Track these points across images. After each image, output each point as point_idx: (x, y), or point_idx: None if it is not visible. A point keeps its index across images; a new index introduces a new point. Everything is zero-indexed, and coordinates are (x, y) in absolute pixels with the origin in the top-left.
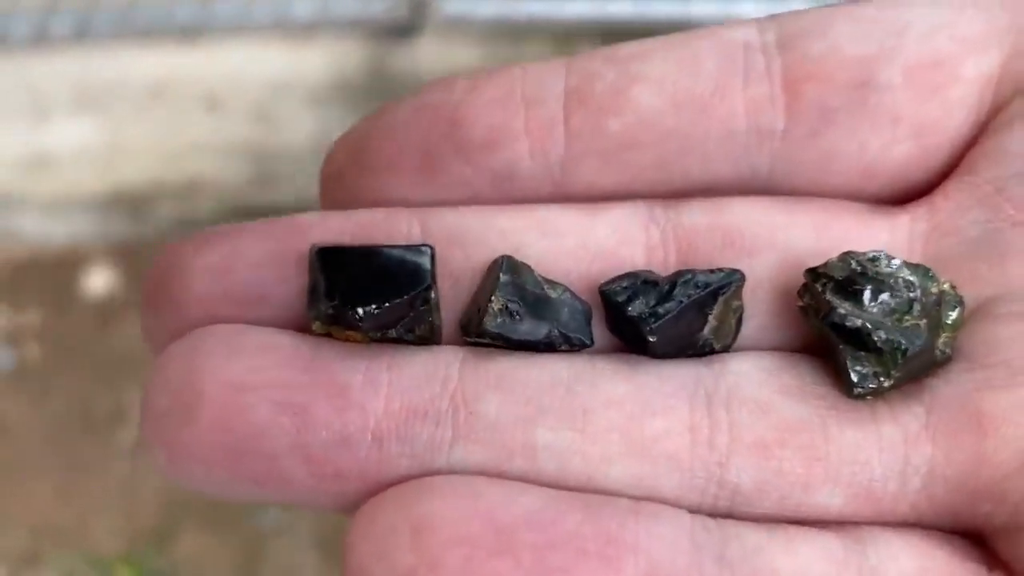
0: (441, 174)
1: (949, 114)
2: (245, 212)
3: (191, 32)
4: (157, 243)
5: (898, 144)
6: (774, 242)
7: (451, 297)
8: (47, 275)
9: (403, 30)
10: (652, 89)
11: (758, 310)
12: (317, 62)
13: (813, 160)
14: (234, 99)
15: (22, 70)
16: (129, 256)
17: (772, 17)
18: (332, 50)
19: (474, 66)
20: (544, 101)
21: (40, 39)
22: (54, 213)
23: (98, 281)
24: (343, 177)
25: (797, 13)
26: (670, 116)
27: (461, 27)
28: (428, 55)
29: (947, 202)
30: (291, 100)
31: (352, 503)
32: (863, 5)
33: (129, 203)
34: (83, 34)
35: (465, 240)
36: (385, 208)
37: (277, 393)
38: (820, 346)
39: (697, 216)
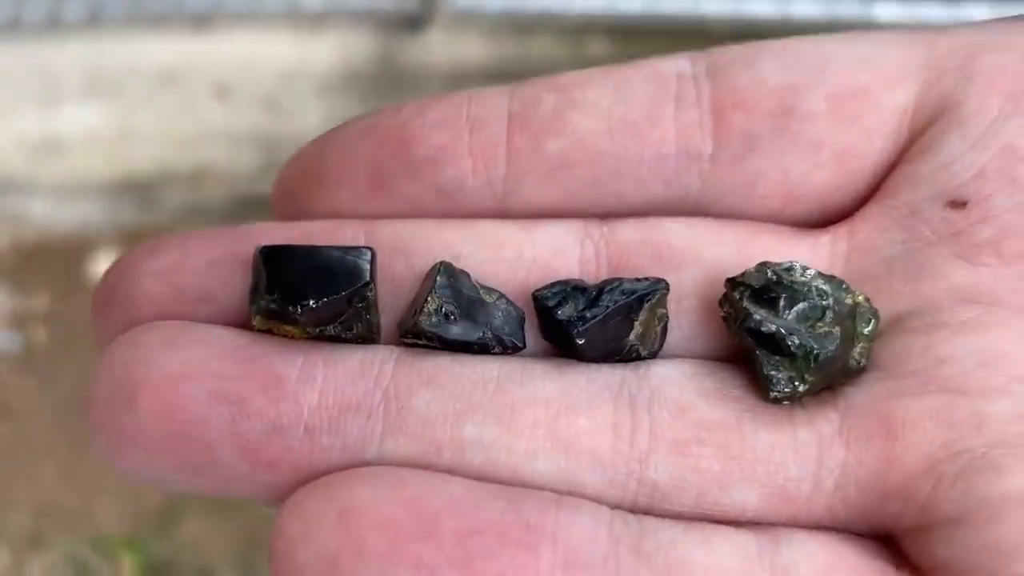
0: (389, 190)
1: (869, 141)
2: (253, 200)
3: (202, 20)
4: (165, 230)
5: (820, 169)
6: (700, 257)
7: (392, 303)
8: (55, 259)
9: (413, 22)
10: (589, 114)
11: (684, 320)
12: (327, 52)
13: (739, 183)
14: (244, 87)
15: (34, 55)
16: (137, 242)
17: (704, 51)
18: (342, 41)
19: (483, 59)
20: (488, 123)
21: (52, 24)
22: (63, 198)
23: (105, 267)
24: (294, 193)
25: (728, 48)
26: (605, 139)
27: (470, 20)
28: (437, 48)
29: (866, 224)
30: (300, 90)
31: (286, 493)
32: (789, 41)
33: (138, 189)
34: (95, 20)
35: (408, 249)
36: (333, 219)
37: (214, 383)
38: (741, 355)
39: (629, 232)
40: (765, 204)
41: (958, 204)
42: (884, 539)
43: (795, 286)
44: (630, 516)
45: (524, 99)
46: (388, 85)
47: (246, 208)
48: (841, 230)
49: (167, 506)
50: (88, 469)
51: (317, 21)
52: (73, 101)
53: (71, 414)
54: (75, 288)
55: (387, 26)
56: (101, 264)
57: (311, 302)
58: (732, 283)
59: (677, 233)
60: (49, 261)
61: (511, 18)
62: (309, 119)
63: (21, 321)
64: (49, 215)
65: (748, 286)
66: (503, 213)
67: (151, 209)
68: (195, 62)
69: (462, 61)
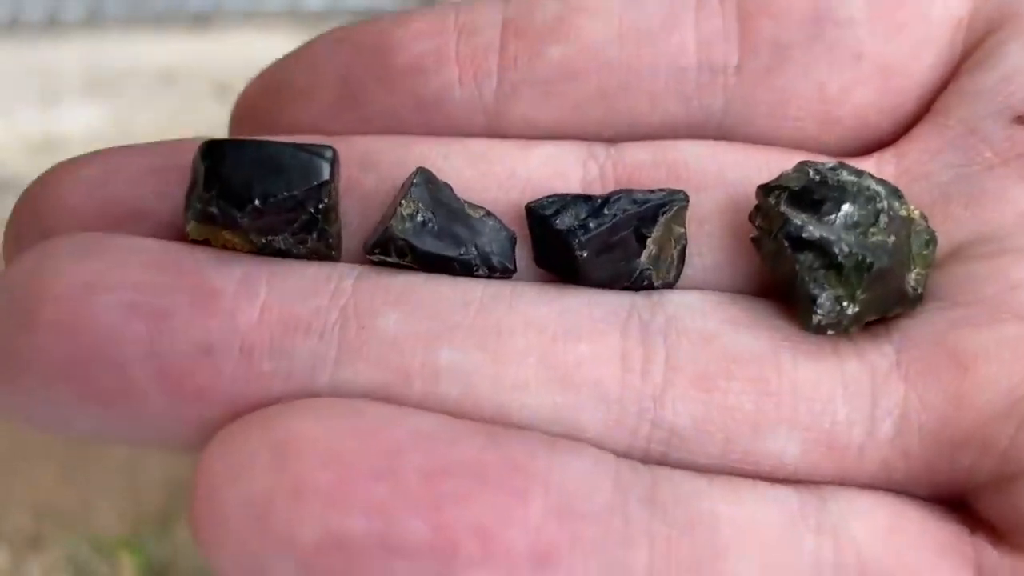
0: (361, 103)
1: (916, 55)
2: None
3: (202, 19)
4: None
5: (860, 85)
6: (724, 178)
7: (358, 222)
8: None
9: None
10: (596, 19)
11: (705, 247)
12: None
13: (769, 100)
14: (244, 87)
15: (33, 54)
16: None
17: None
18: None
19: None
20: (479, 29)
21: (51, 23)
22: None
23: None
24: (255, 109)
25: None
26: (614, 47)
27: None
28: None
29: (916, 145)
30: None
31: (214, 434)
32: None
33: None
34: (94, 19)
35: (379, 162)
36: (294, 136)
37: (132, 294)
38: (776, 288)
39: (639, 153)
40: (799, 127)
41: None
42: (950, 502)
43: (843, 185)
44: (641, 465)
45: (521, 5)
46: None
47: None
48: (887, 154)
49: (168, 507)
50: (88, 469)
51: (318, 20)
52: (72, 100)
53: None
54: None
55: None
56: None
57: (256, 201)
58: (766, 189)
59: (696, 153)
60: None
61: None
62: None
63: None
64: None
65: (786, 188)
66: (495, 132)
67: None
68: (195, 61)
69: None
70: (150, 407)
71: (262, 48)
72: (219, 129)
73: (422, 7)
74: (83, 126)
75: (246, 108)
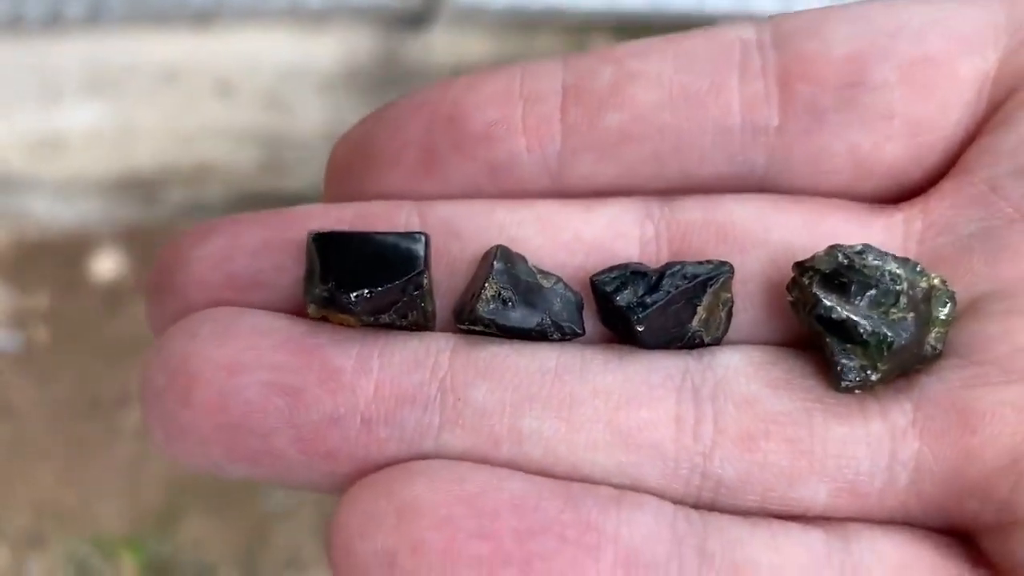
0: (440, 168)
1: (944, 112)
2: (255, 198)
3: (204, 17)
4: (166, 228)
5: (891, 142)
6: (766, 238)
7: (446, 287)
8: (56, 258)
9: (416, 20)
10: (649, 85)
11: (749, 304)
12: (330, 50)
13: (807, 157)
14: (246, 85)
15: (35, 52)
16: (138, 240)
17: (770, 18)
18: (345, 38)
19: (486, 57)
20: (542, 97)
21: (53, 21)
22: (64, 196)
23: (106, 265)
24: (347, 172)
25: (794, 13)
26: (667, 111)
27: (474, 18)
28: (440, 45)
29: (942, 200)
30: (303, 87)
31: (344, 484)
32: (858, 5)
33: (139, 187)
34: (96, 17)
35: (462, 231)
36: (385, 200)
37: (270, 374)
38: (810, 341)
39: (692, 212)
40: (834, 179)
41: None
42: (960, 536)
43: (867, 270)
44: (694, 513)
45: (579, 71)
46: (391, 83)
47: (247, 206)
48: (915, 208)
49: (168, 506)
50: (88, 468)
51: (319, 18)
52: (74, 98)
53: (72, 413)
54: (76, 287)
55: (390, 24)
56: (102, 262)
57: (366, 291)
58: (801, 267)
59: (742, 212)
60: (50, 259)
61: (514, 16)
62: (311, 117)
63: (21, 320)
64: (50, 213)
65: (818, 271)
66: (559, 192)
67: (152, 207)
68: (197, 59)
69: (465, 59)
70: (290, 465)
71: (264, 46)
72: (221, 126)
73: (490, 69)
74: (84, 124)
75: (336, 172)
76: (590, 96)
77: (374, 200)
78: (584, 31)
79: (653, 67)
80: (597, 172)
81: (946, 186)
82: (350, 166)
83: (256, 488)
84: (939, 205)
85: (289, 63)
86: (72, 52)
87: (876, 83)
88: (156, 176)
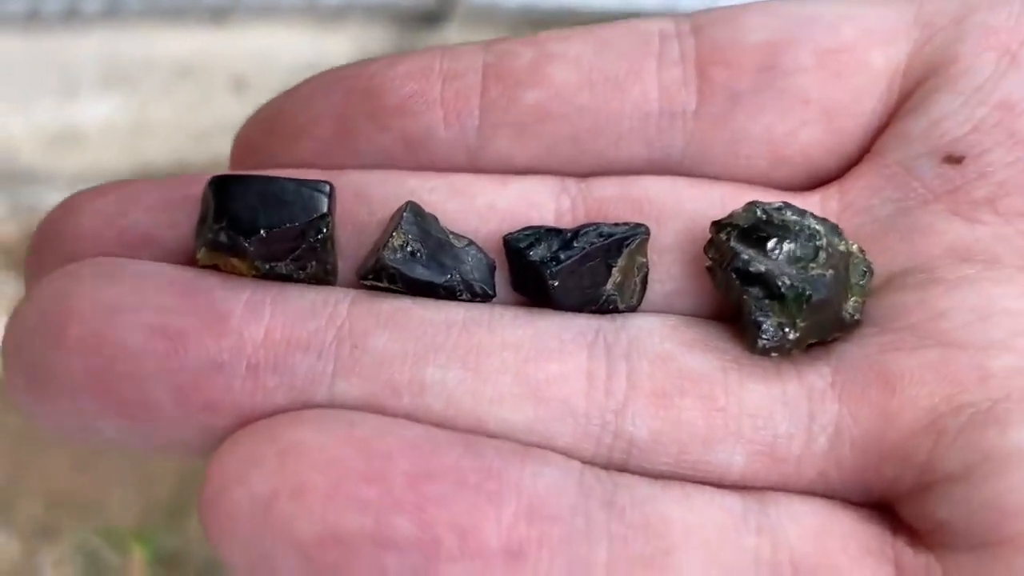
0: (355, 141)
1: (858, 99)
2: None
3: (220, 13)
4: None
5: (807, 127)
6: (682, 211)
7: (352, 251)
8: None
9: (430, 17)
10: (568, 66)
11: (666, 275)
12: (344, 47)
13: (724, 142)
14: (261, 81)
15: (51, 47)
16: None
17: (689, 13)
18: (359, 35)
19: None
20: (462, 74)
21: (70, 16)
22: (78, 189)
23: None
24: (256, 145)
25: (711, 8)
26: (585, 93)
27: (488, 16)
28: (454, 43)
29: (857, 182)
30: None
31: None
32: (774, 2)
33: None
34: (113, 12)
35: (371, 195)
36: (293, 169)
37: (151, 316)
38: (727, 312)
39: (607, 188)
40: (751, 164)
41: (954, 160)
42: (880, 508)
43: (787, 224)
44: (603, 472)
45: (500, 52)
46: None
47: None
48: (831, 190)
49: (178, 498)
50: (99, 460)
51: (335, 15)
52: (90, 93)
53: None
54: None
55: (404, 21)
56: None
57: (262, 231)
58: (718, 225)
59: (658, 188)
60: None
61: (529, 14)
62: None
63: None
64: None
65: (736, 226)
66: (476, 168)
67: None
68: (212, 55)
69: None
70: (166, 417)
71: (279, 43)
72: (236, 123)
73: (411, 51)
74: (100, 118)
75: (246, 144)
76: (509, 74)
77: (282, 168)
78: None
79: (573, 50)
80: (515, 150)
81: (861, 169)
82: (259, 139)
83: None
84: (855, 187)
85: (304, 59)
86: (88, 46)
87: (791, 68)
88: (170, 171)
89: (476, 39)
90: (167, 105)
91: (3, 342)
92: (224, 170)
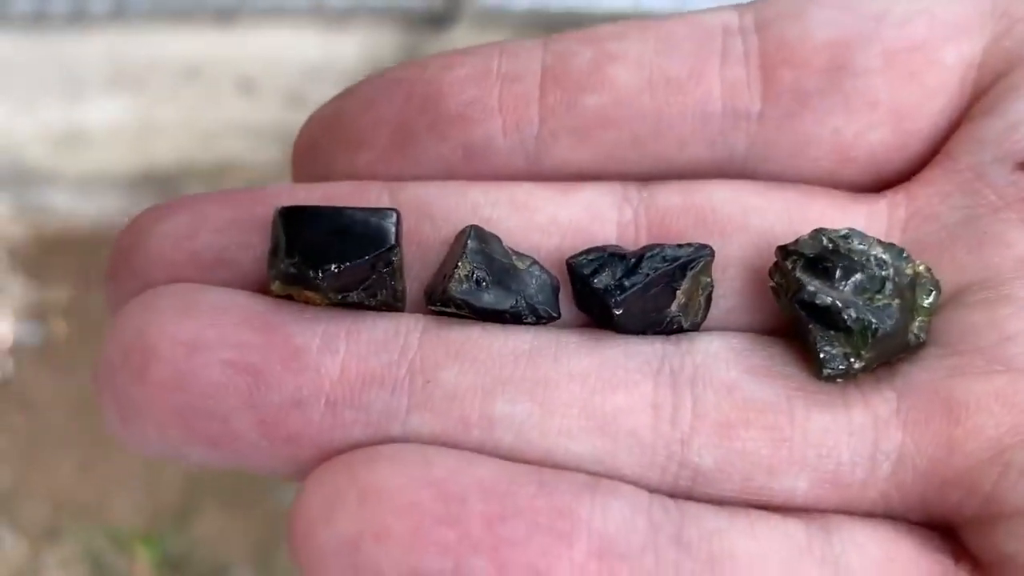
0: (414, 148)
1: (928, 99)
2: None
3: (227, 14)
4: None
5: (875, 129)
6: (747, 223)
7: (418, 269)
8: (76, 252)
9: (438, 20)
10: (629, 68)
11: (729, 290)
12: (351, 49)
13: (789, 144)
14: (268, 82)
15: (58, 48)
16: None
17: (751, 4)
18: (366, 37)
19: None
20: (520, 78)
21: (77, 17)
22: (85, 190)
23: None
24: (315, 151)
25: (776, 0)
26: (646, 95)
27: (496, 18)
28: (463, 46)
29: (926, 188)
30: (324, 85)
31: (307, 470)
32: None
33: (159, 182)
34: (120, 13)
35: (434, 212)
36: (355, 181)
37: (230, 353)
38: (792, 329)
39: (671, 196)
40: (817, 166)
41: None
42: (942, 529)
43: (852, 255)
44: (670, 502)
45: (558, 52)
46: None
47: None
48: (899, 195)
49: (184, 501)
50: (106, 462)
51: (342, 17)
52: (97, 94)
53: (90, 406)
54: (96, 280)
55: (412, 23)
56: None
57: (333, 266)
58: (784, 251)
59: (722, 197)
60: (70, 253)
61: (537, 16)
62: None
63: (41, 313)
64: (71, 207)
65: (801, 255)
66: (536, 175)
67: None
68: (219, 56)
69: None
70: (251, 448)
71: (286, 44)
72: (242, 124)
73: (468, 49)
74: (107, 119)
75: (305, 149)
76: (569, 77)
77: (343, 181)
78: None
79: (634, 50)
80: (575, 156)
81: (930, 174)
82: (319, 145)
83: (272, 485)
84: (923, 192)
85: (312, 61)
86: (95, 47)
87: (860, 69)
88: (177, 172)
89: (484, 41)
90: (174, 106)
91: (95, 376)
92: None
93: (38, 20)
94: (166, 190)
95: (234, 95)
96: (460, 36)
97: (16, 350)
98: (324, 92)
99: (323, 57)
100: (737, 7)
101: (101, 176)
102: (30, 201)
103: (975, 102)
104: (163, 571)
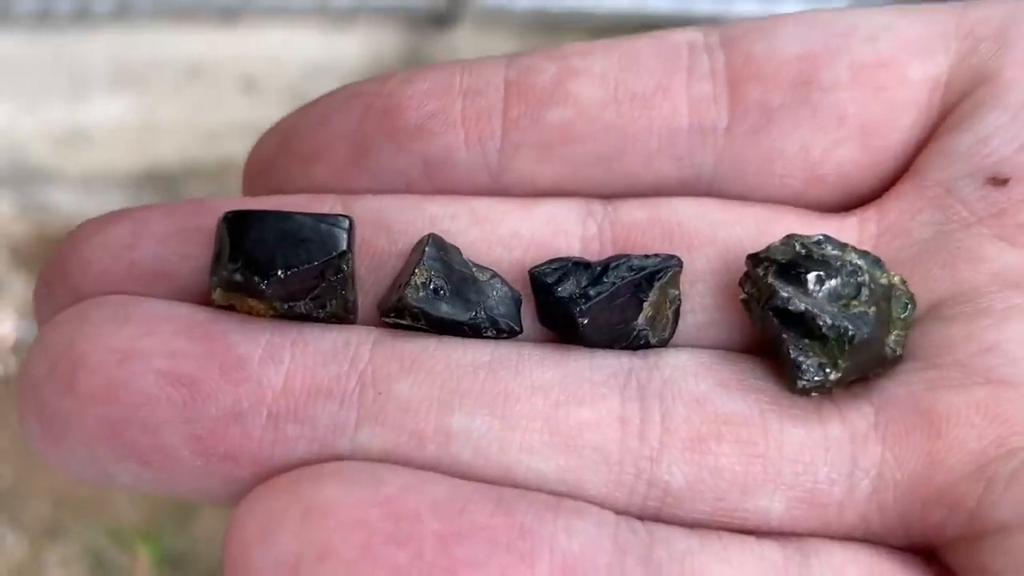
0: (372, 161)
1: (896, 115)
2: None
3: (230, 13)
4: None
5: (843, 145)
6: (715, 237)
7: (371, 282)
8: None
9: (441, 20)
10: (593, 83)
11: (698, 305)
12: (354, 48)
13: (756, 159)
14: (270, 82)
15: (62, 46)
16: None
17: (717, 24)
18: (369, 37)
19: None
20: (482, 92)
21: (81, 16)
22: (87, 189)
23: None
24: (269, 166)
25: (743, 20)
26: (611, 110)
27: (499, 18)
28: (465, 46)
29: (897, 204)
30: (327, 85)
31: (244, 492)
32: (809, 11)
33: (162, 182)
34: (123, 12)
35: (390, 223)
36: (308, 194)
37: (166, 362)
38: (764, 346)
39: (636, 211)
40: (785, 184)
41: (999, 181)
42: (924, 552)
43: (826, 259)
44: (638, 523)
45: (522, 67)
46: None
47: None
48: (869, 212)
49: (185, 500)
50: None
51: (345, 17)
52: (99, 93)
53: None
54: None
55: (415, 23)
56: None
57: (279, 272)
58: (755, 259)
59: (689, 212)
60: None
61: (539, 16)
62: None
63: None
64: (73, 206)
65: (774, 261)
66: (498, 190)
67: (175, 201)
68: (222, 55)
69: None
70: (184, 467)
71: (289, 43)
72: (245, 123)
73: (430, 66)
74: (109, 118)
75: (259, 163)
76: (532, 92)
77: (296, 194)
78: (609, 32)
79: (598, 65)
80: (538, 171)
81: (900, 189)
82: (272, 160)
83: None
84: (894, 208)
85: (314, 60)
86: (98, 47)
87: (827, 83)
88: (179, 171)
89: (486, 41)
90: (176, 105)
91: (18, 389)
92: (235, 172)
93: (42, 19)
94: (168, 189)
95: (237, 95)
96: (462, 36)
97: (18, 348)
98: (326, 92)
99: (326, 57)
100: (703, 27)
101: (104, 175)
102: (33, 200)
103: (942, 119)
104: (164, 569)
